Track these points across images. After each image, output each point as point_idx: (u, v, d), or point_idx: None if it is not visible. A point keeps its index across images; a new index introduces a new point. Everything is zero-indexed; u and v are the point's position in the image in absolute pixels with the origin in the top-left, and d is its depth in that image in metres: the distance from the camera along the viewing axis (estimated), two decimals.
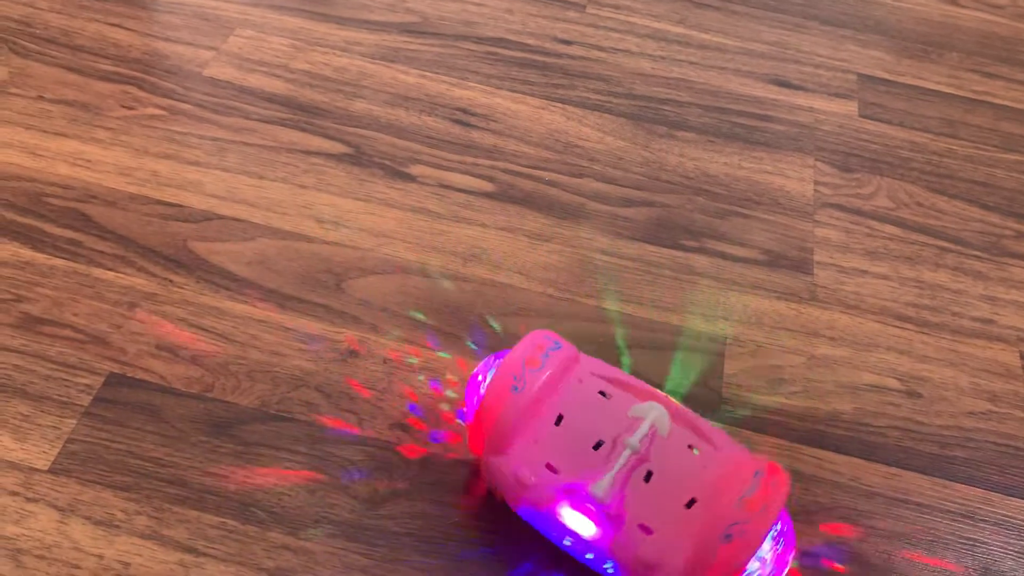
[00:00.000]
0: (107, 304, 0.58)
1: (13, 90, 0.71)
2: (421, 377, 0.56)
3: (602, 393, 0.48)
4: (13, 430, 0.51)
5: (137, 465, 0.51)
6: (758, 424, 0.56)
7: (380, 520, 0.50)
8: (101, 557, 0.47)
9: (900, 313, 0.64)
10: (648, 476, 0.45)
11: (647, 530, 0.44)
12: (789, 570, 0.50)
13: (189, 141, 0.69)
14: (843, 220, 0.70)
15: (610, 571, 0.46)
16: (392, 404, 0.55)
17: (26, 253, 0.60)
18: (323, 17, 0.81)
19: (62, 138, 0.67)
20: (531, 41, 0.81)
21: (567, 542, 0.47)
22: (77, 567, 0.47)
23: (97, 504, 0.49)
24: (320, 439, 0.53)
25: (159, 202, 0.64)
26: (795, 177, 0.73)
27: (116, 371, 0.54)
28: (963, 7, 0.93)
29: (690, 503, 0.45)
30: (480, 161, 0.70)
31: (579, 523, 0.45)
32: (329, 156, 0.69)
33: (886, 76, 0.83)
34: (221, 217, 0.64)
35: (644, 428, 0.46)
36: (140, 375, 0.54)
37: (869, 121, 0.79)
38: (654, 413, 0.47)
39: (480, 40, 0.81)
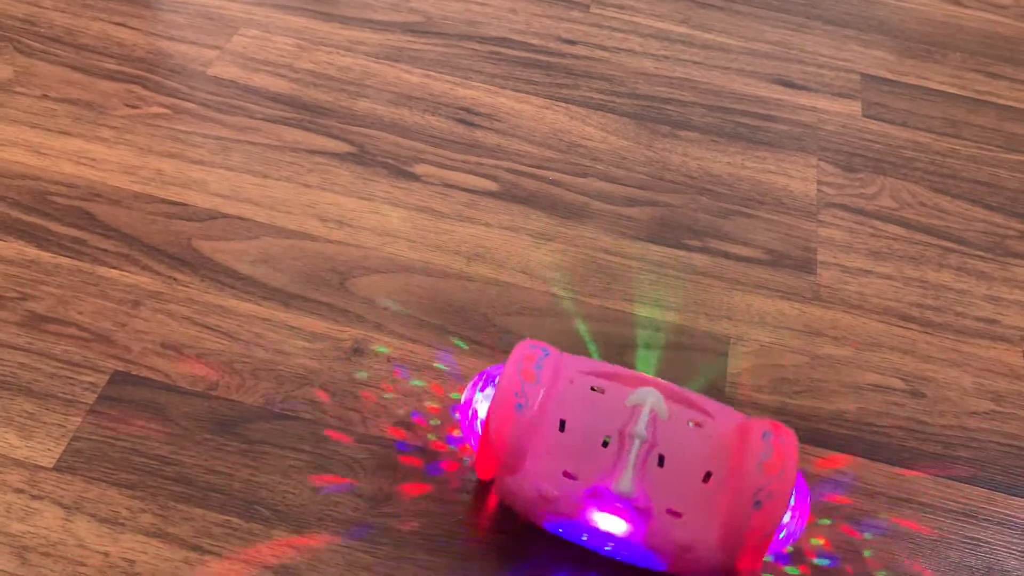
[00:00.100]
0: (112, 302, 0.58)
1: (18, 89, 0.71)
2: (420, 382, 0.56)
3: (594, 389, 0.48)
4: (18, 428, 0.52)
5: (142, 463, 0.51)
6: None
7: (384, 518, 0.50)
8: (106, 554, 0.47)
9: (904, 313, 0.64)
10: (661, 460, 0.46)
11: (676, 514, 0.45)
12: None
13: (193, 140, 0.69)
14: (847, 220, 0.70)
15: (647, 562, 0.46)
16: (395, 402, 0.55)
17: (31, 251, 0.60)
18: (327, 17, 0.81)
19: (66, 137, 0.68)
20: (535, 41, 0.81)
21: (608, 547, 0.46)
22: (82, 564, 0.47)
23: (102, 502, 0.49)
24: (324, 437, 0.53)
25: (163, 201, 0.64)
26: (798, 177, 0.73)
27: (121, 369, 0.55)
28: (966, 7, 0.93)
29: (706, 477, 0.45)
30: (484, 160, 0.70)
31: (610, 523, 0.45)
32: (333, 155, 0.69)
33: (889, 76, 0.83)
34: (225, 216, 0.64)
35: (645, 414, 0.46)
36: (145, 373, 0.55)
37: (872, 121, 0.79)
38: (651, 398, 0.47)
39: (484, 40, 0.81)
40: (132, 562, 0.47)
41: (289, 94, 0.73)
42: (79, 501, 0.49)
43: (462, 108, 0.74)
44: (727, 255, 0.66)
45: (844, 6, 0.90)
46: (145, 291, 0.59)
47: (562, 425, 0.46)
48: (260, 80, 0.74)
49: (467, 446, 0.53)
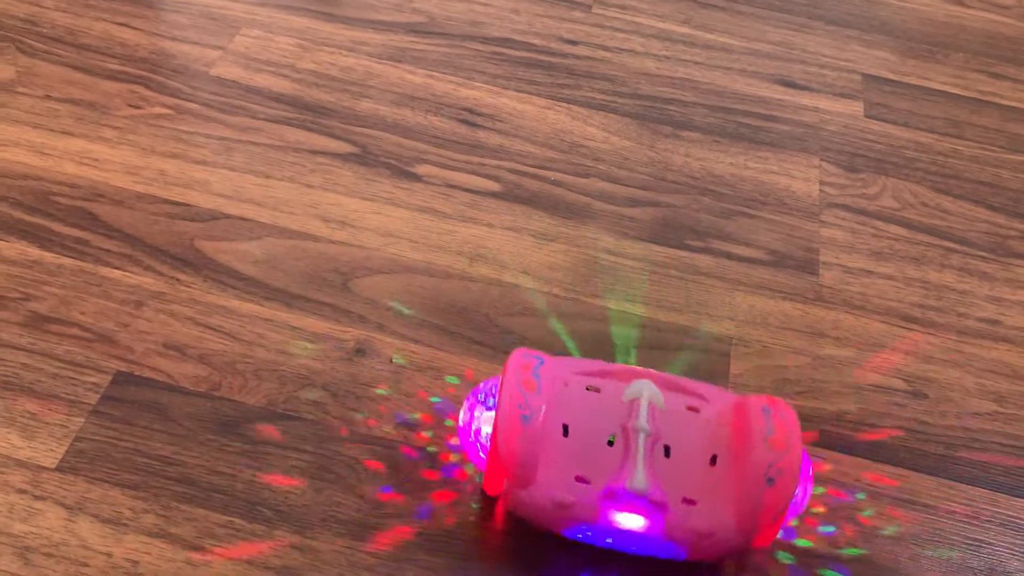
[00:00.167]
0: (114, 303, 0.58)
1: (20, 89, 0.71)
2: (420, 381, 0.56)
3: (590, 388, 0.48)
4: (21, 428, 0.52)
5: (145, 463, 0.51)
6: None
7: (386, 519, 0.50)
8: (109, 555, 0.47)
9: (906, 314, 0.64)
10: (667, 451, 0.46)
11: (691, 502, 0.45)
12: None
13: (196, 140, 0.69)
14: (849, 220, 0.70)
15: (667, 553, 0.46)
16: (398, 403, 0.55)
17: (34, 252, 0.60)
18: (330, 17, 0.81)
19: (69, 137, 0.68)
20: (537, 41, 0.81)
21: (633, 549, 0.46)
22: (85, 565, 0.47)
23: (105, 502, 0.49)
24: (327, 438, 0.53)
25: (166, 201, 0.64)
26: (800, 177, 0.73)
27: (123, 370, 0.55)
28: (969, 7, 0.93)
29: (713, 460, 0.46)
30: (486, 161, 0.70)
31: (630, 521, 0.45)
32: (335, 156, 0.69)
33: (891, 76, 0.83)
34: (228, 216, 0.64)
35: (644, 407, 0.46)
36: (147, 374, 0.55)
37: (874, 121, 0.79)
38: (647, 390, 0.47)
39: (486, 40, 0.81)
40: (135, 563, 0.47)
41: (291, 94, 0.73)
42: (82, 502, 0.49)
43: (464, 108, 0.74)
44: (729, 256, 0.66)
45: (846, 6, 0.90)
46: (148, 291, 0.59)
47: (565, 430, 0.46)
48: (262, 80, 0.74)
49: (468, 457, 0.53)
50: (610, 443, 0.46)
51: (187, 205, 0.64)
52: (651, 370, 0.50)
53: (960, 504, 0.54)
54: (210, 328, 0.57)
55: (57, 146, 0.67)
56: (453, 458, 0.53)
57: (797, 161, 0.74)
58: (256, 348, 0.57)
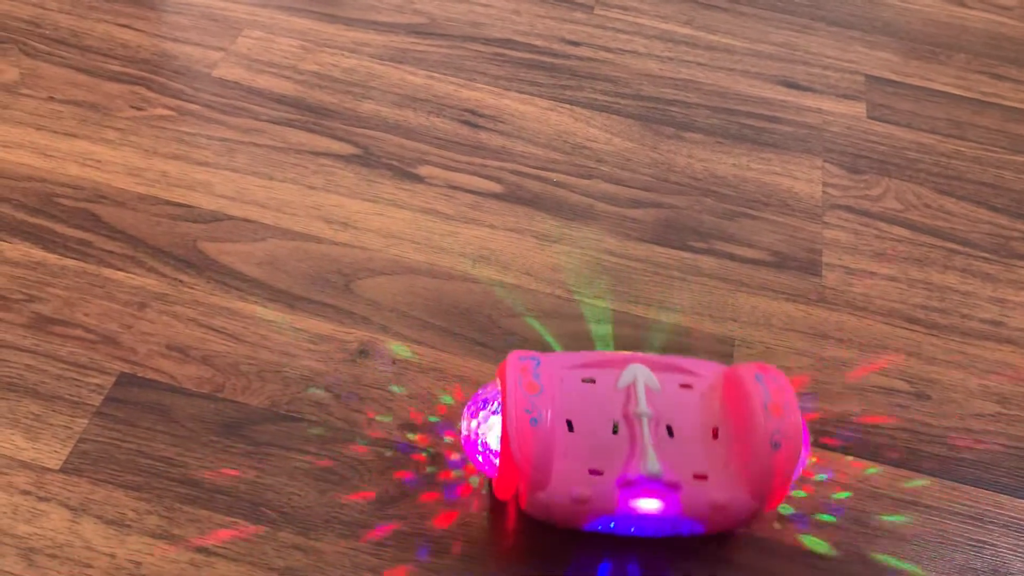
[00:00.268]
0: (118, 304, 0.58)
1: (23, 91, 0.71)
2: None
3: (585, 380, 0.49)
4: (25, 430, 0.52)
5: (148, 465, 0.51)
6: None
7: (390, 520, 0.50)
8: (113, 556, 0.47)
9: (909, 315, 0.64)
10: (670, 431, 0.47)
11: (702, 477, 0.46)
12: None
13: (198, 142, 0.69)
14: (851, 222, 0.70)
15: (685, 531, 0.47)
16: (401, 404, 0.55)
17: (37, 253, 0.60)
18: (331, 18, 0.81)
19: (72, 138, 0.68)
20: (539, 42, 0.81)
21: (653, 531, 0.47)
22: (89, 566, 0.47)
23: (108, 503, 0.49)
24: (330, 439, 0.53)
25: (168, 202, 0.64)
26: (803, 178, 0.73)
27: (127, 371, 0.55)
28: (971, 8, 0.92)
29: (715, 433, 0.47)
30: (488, 162, 0.70)
31: (647, 505, 0.46)
32: (338, 157, 0.69)
33: (894, 77, 0.83)
34: (231, 218, 0.64)
35: (641, 392, 0.47)
36: (151, 375, 0.55)
37: (877, 122, 0.79)
38: (641, 374, 0.48)
39: (488, 41, 0.81)
40: (139, 564, 0.47)
41: (294, 96, 0.73)
42: (86, 503, 0.49)
43: (466, 110, 0.74)
44: (732, 257, 0.66)
45: (849, 7, 0.90)
46: (151, 293, 0.59)
47: (570, 425, 0.47)
48: (264, 82, 0.74)
49: (472, 474, 0.53)
50: (614, 431, 0.47)
51: (189, 206, 0.64)
52: (639, 353, 0.51)
53: (963, 505, 0.54)
54: (213, 329, 0.57)
55: (60, 147, 0.67)
56: (456, 458, 0.53)
57: (800, 162, 0.74)
58: (259, 349, 0.57)
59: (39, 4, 0.78)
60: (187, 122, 0.70)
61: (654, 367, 0.49)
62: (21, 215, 0.62)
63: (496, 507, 0.51)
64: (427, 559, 0.49)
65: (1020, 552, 0.52)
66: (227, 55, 0.76)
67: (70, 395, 0.53)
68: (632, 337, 0.60)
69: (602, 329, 0.60)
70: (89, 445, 0.51)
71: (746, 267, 0.65)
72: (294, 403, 0.54)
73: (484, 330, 0.59)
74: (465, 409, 0.50)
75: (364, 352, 0.57)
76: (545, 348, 0.59)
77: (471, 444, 0.49)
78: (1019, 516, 0.54)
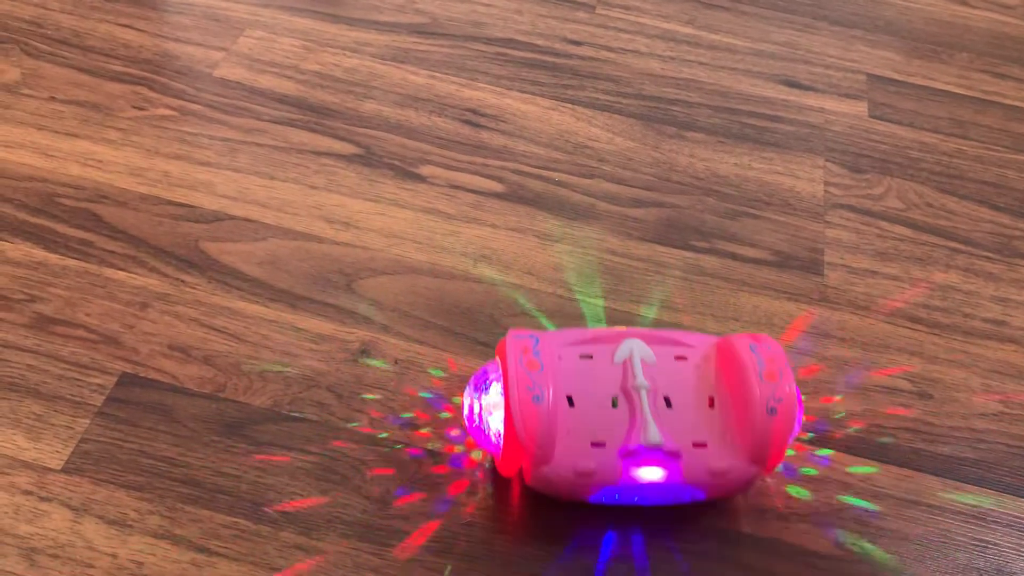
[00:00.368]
0: (119, 304, 0.58)
1: (25, 91, 0.71)
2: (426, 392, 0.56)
3: (583, 357, 0.50)
4: (27, 430, 0.52)
5: (150, 465, 0.51)
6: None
7: (392, 520, 0.50)
8: (115, 556, 0.47)
9: (911, 314, 0.64)
10: (668, 402, 0.49)
11: (702, 445, 0.48)
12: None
13: (200, 142, 0.69)
14: (853, 221, 0.70)
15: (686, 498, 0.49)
16: (403, 404, 0.55)
17: (39, 253, 0.60)
18: (333, 18, 0.81)
19: (73, 138, 0.68)
20: (541, 42, 0.81)
21: (655, 500, 0.49)
22: (91, 566, 0.47)
23: (110, 503, 0.49)
24: (332, 439, 0.53)
25: (170, 202, 0.64)
26: (805, 178, 0.73)
27: (129, 371, 0.55)
28: (973, 7, 0.92)
29: (711, 402, 0.49)
30: (490, 162, 0.70)
31: (649, 474, 0.47)
32: (339, 157, 0.69)
33: (896, 76, 0.83)
34: (232, 217, 0.64)
35: (638, 365, 0.49)
36: (152, 375, 0.55)
37: (879, 122, 0.79)
38: (637, 349, 0.50)
39: (490, 41, 0.81)
40: (140, 564, 0.47)
41: (295, 95, 0.73)
42: (87, 503, 0.49)
43: (468, 109, 0.74)
44: (734, 256, 0.66)
45: (851, 6, 0.90)
46: (152, 293, 0.59)
47: (570, 401, 0.48)
48: (266, 81, 0.74)
49: (474, 445, 0.53)
50: (613, 405, 0.48)
51: (191, 206, 0.64)
52: (633, 328, 0.52)
53: (966, 505, 0.54)
54: (215, 329, 0.57)
55: (61, 147, 0.67)
56: (458, 449, 0.53)
57: (802, 162, 0.74)
58: (261, 349, 0.57)
59: (41, 4, 0.78)
60: (189, 122, 0.70)
61: (649, 341, 0.51)
62: (23, 215, 0.62)
63: (500, 485, 0.51)
64: (429, 558, 0.49)
65: (1023, 551, 0.52)
66: (229, 55, 0.76)
67: (72, 395, 0.53)
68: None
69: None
70: (91, 445, 0.51)
71: (748, 266, 0.65)
72: (296, 403, 0.54)
73: (486, 330, 0.59)
74: (467, 389, 0.50)
75: (365, 352, 0.57)
76: None
77: (474, 424, 0.50)
78: (1022, 515, 0.54)
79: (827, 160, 0.74)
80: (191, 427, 0.53)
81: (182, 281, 0.60)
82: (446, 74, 0.77)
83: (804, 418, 0.56)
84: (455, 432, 0.54)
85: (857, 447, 0.56)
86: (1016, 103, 0.82)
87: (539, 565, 0.49)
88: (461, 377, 0.56)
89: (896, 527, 0.53)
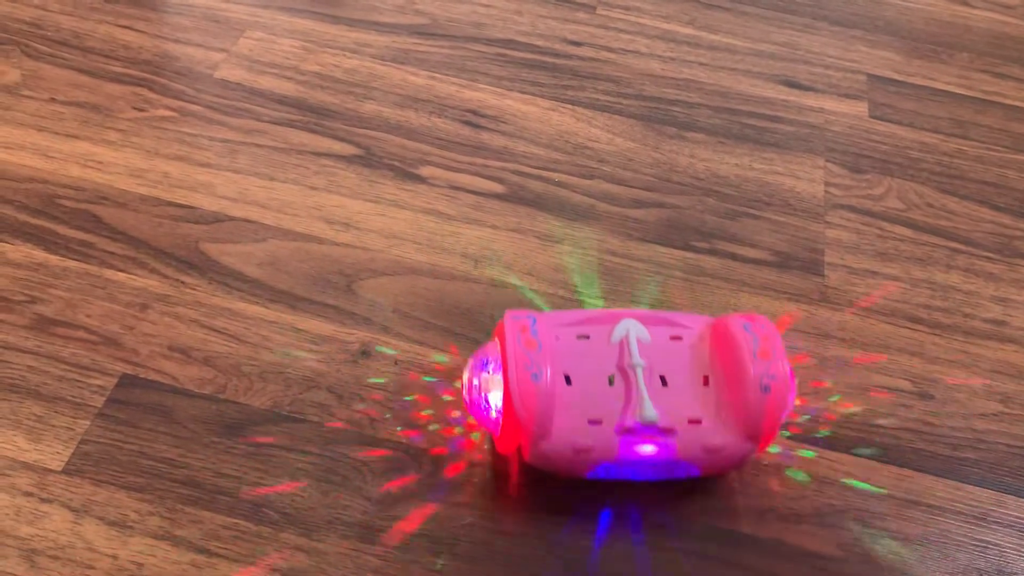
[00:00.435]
0: (119, 305, 0.58)
1: (25, 92, 0.71)
2: (428, 378, 0.56)
3: (580, 337, 0.51)
4: (27, 431, 0.52)
5: (150, 466, 0.51)
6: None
7: (392, 521, 0.50)
8: (115, 557, 0.47)
9: (912, 315, 0.64)
10: (663, 381, 0.50)
11: (696, 422, 0.49)
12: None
13: (200, 143, 0.69)
14: (854, 221, 0.70)
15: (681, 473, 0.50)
16: (403, 405, 0.55)
17: (39, 254, 0.60)
18: (333, 19, 0.81)
19: (74, 140, 0.68)
20: (541, 43, 0.81)
21: (651, 476, 0.50)
22: (91, 568, 0.47)
23: (111, 505, 0.49)
24: (332, 440, 0.53)
25: (170, 203, 0.64)
26: (805, 178, 0.72)
27: (129, 372, 0.55)
28: (973, 7, 0.92)
29: (705, 380, 0.50)
30: (490, 162, 0.70)
31: (646, 451, 0.48)
32: (339, 158, 0.69)
33: (896, 77, 0.83)
34: (232, 218, 0.64)
35: (634, 345, 0.50)
36: (153, 376, 0.55)
37: (879, 122, 0.79)
38: (633, 328, 0.51)
39: (490, 42, 0.81)
40: (140, 565, 0.47)
41: (295, 96, 0.73)
42: (88, 504, 0.49)
43: (468, 110, 0.74)
44: (734, 257, 0.66)
45: (851, 7, 0.90)
46: (153, 294, 0.59)
47: (568, 379, 0.49)
48: (266, 82, 0.74)
49: (473, 427, 0.53)
50: (610, 383, 0.49)
51: (191, 207, 0.64)
52: (629, 309, 0.53)
53: (967, 505, 0.54)
54: (215, 330, 0.57)
55: (62, 149, 0.67)
56: (459, 460, 0.53)
57: (802, 162, 0.74)
58: (261, 350, 0.57)
59: (41, 6, 0.78)
60: (189, 123, 0.70)
61: (645, 321, 0.52)
62: (23, 216, 0.62)
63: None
64: (429, 559, 0.49)
65: None
66: (229, 56, 0.76)
67: (72, 396, 0.53)
68: None
69: None
70: (91, 446, 0.51)
71: (748, 267, 0.65)
72: (296, 404, 0.54)
73: (486, 331, 0.59)
74: (466, 369, 0.51)
75: (365, 353, 0.57)
76: None
77: (474, 402, 0.50)
78: (1023, 516, 0.54)
79: (827, 160, 0.74)
80: (191, 428, 0.53)
81: (182, 282, 0.60)
82: (446, 75, 0.77)
83: (799, 401, 0.57)
84: (455, 414, 0.54)
85: (856, 447, 0.56)
86: (1016, 103, 0.82)
87: (537, 544, 0.49)
88: (463, 363, 0.56)
89: (897, 527, 0.53)
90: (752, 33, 0.85)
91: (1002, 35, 0.89)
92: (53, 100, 0.71)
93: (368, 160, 0.69)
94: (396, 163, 0.69)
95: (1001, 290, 0.66)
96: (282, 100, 0.73)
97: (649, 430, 0.48)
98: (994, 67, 0.86)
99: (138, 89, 0.72)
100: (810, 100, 0.79)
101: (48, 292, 0.58)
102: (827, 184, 0.72)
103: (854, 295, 0.64)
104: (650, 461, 0.48)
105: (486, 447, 0.53)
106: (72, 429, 0.52)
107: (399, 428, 0.54)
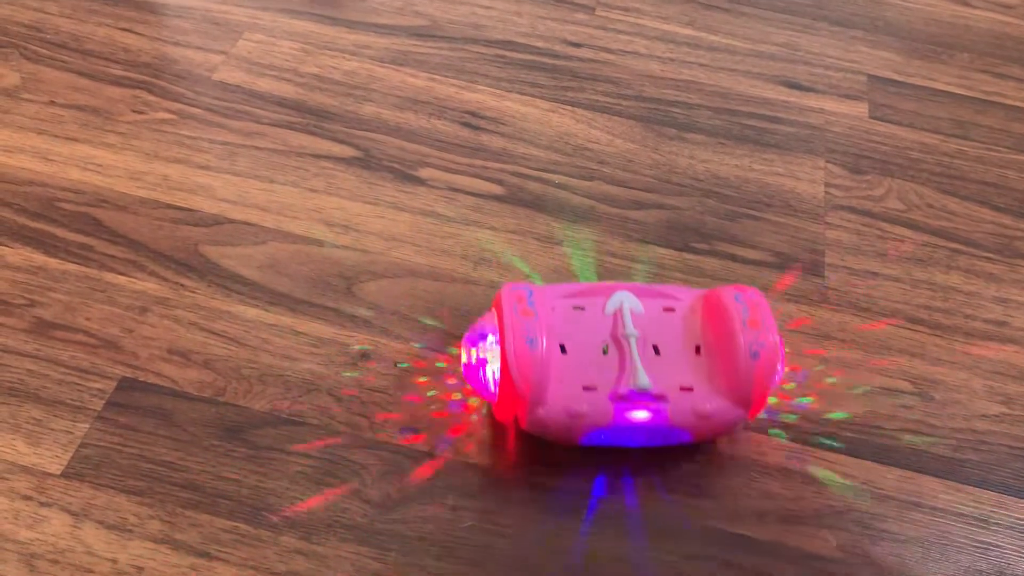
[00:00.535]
0: (119, 308, 0.58)
1: (25, 95, 0.71)
2: (424, 379, 0.56)
3: (575, 308, 0.53)
4: (26, 434, 0.52)
5: (149, 469, 0.51)
6: (770, 427, 0.56)
7: (392, 524, 0.50)
8: (114, 561, 0.47)
9: (912, 315, 0.64)
10: (656, 350, 0.52)
11: (688, 389, 0.50)
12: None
13: (199, 145, 0.69)
14: (854, 222, 0.69)
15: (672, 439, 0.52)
16: (403, 408, 0.55)
17: (38, 258, 0.60)
18: (332, 21, 0.81)
19: (73, 143, 0.68)
20: (540, 44, 0.81)
21: (644, 442, 0.51)
22: (90, 571, 0.47)
23: (110, 508, 0.49)
24: (332, 443, 0.53)
25: (170, 206, 0.64)
26: (806, 179, 0.72)
27: (128, 375, 0.55)
28: (973, 7, 0.92)
29: (697, 350, 0.52)
30: (489, 164, 0.70)
31: (639, 416, 0.50)
32: (339, 160, 0.69)
33: (896, 77, 0.83)
34: (232, 221, 0.64)
35: (628, 316, 0.52)
36: (152, 379, 0.55)
37: (879, 122, 0.78)
38: (626, 300, 0.53)
39: (489, 43, 0.81)
40: (140, 569, 0.47)
41: (294, 98, 0.73)
42: (87, 508, 0.49)
43: (467, 112, 0.74)
44: (734, 258, 0.66)
45: (850, 7, 0.90)
46: (152, 297, 0.59)
47: (563, 349, 0.51)
48: (265, 85, 0.74)
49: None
50: (604, 352, 0.51)
51: (191, 210, 0.64)
52: (623, 282, 0.55)
53: (968, 507, 0.54)
54: (214, 333, 0.57)
55: (61, 152, 0.67)
56: (458, 462, 0.53)
57: (802, 163, 0.74)
58: (260, 353, 0.56)
59: (40, 8, 0.78)
60: (188, 126, 0.70)
61: (639, 293, 0.54)
62: (22, 219, 0.62)
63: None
64: (429, 562, 0.48)
65: None
66: (228, 58, 0.76)
67: (71, 400, 0.53)
68: None
69: None
70: (90, 450, 0.51)
71: (748, 268, 0.65)
72: (295, 407, 0.54)
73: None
74: (464, 340, 0.52)
75: (365, 355, 0.57)
76: None
77: (472, 372, 0.52)
78: None
79: (827, 161, 0.74)
80: (191, 431, 0.53)
81: (182, 285, 0.60)
82: (445, 76, 0.77)
83: (812, 402, 0.57)
84: (455, 438, 0.54)
85: (859, 449, 0.56)
86: (1017, 103, 0.82)
87: (537, 547, 0.49)
88: (463, 379, 0.56)
89: (898, 529, 0.52)
90: (752, 34, 0.85)
91: (1002, 35, 0.89)
92: (52, 103, 0.70)
93: (367, 162, 0.69)
94: (395, 165, 0.69)
95: (1002, 291, 0.66)
96: (281, 102, 0.73)
97: (642, 397, 0.49)
98: (994, 67, 0.85)
99: (137, 92, 0.72)
100: (810, 101, 0.79)
101: (47, 295, 0.58)
102: (827, 185, 0.72)
103: (854, 296, 0.64)
104: (643, 427, 0.50)
105: (486, 448, 0.53)
106: (71, 432, 0.52)
107: (399, 431, 0.54)
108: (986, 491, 0.55)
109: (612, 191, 0.69)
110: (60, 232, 0.62)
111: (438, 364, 0.57)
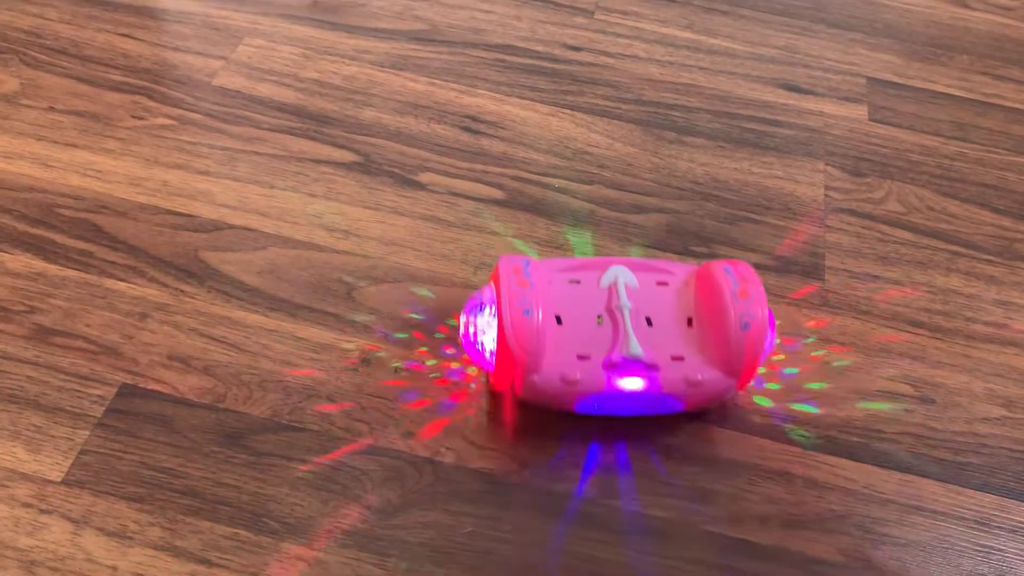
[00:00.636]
0: (119, 315, 0.58)
1: (24, 101, 0.71)
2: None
3: (571, 282, 0.54)
4: (27, 441, 0.52)
5: (150, 476, 0.51)
6: (770, 431, 0.56)
7: (393, 530, 0.50)
8: (115, 568, 0.47)
9: (912, 318, 0.64)
10: (649, 321, 0.53)
11: (679, 358, 0.52)
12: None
13: (199, 151, 0.69)
14: (854, 225, 0.69)
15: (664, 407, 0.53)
16: (403, 413, 0.55)
17: (38, 264, 0.60)
18: (332, 26, 0.81)
19: (73, 149, 0.68)
20: (540, 48, 0.81)
21: (636, 410, 0.53)
22: None
23: (110, 515, 0.49)
24: (332, 449, 0.53)
25: (170, 212, 0.64)
26: (805, 182, 0.72)
27: (128, 382, 0.55)
28: (973, 9, 0.92)
29: (689, 322, 0.53)
30: (489, 168, 0.70)
31: (631, 384, 0.51)
32: (339, 165, 0.69)
33: (896, 79, 0.83)
34: (232, 227, 0.64)
35: (622, 288, 0.54)
36: (152, 386, 0.55)
37: (879, 125, 0.78)
38: (621, 274, 0.54)
39: (489, 47, 0.81)
40: None
41: (294, 104, 0.73)
42: (87, 515, 0.49)
43: (467, 116, 0.74)
44: None
45: (850, 9, 0.90)
46: (152, 303, 0.59)
47: (559, 320, 0.53)
48: (265, 90, 0.74)
49: (474, 430, 0.53)
50: (598, 322, 0.53)
51: (191, 216, 0.64)
52: (618, 258, 0.57)
53: (969, 510, 0.54)
54: (214, 339, 0.57)
55: (61, 158, 0.67)
56: (459, 464, 0.53)
57: (802, 166, 0.74)
58: (261, 359, 0.56)
59: (39, 14, 0.78)
60: (188, 131, 0.70)
61: (633, 268, 0.55)
62: (22, 226, 0.62)
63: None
64: (429, 567, 0.48)
65: None
66: (228, 64, 0.76)
67: (72, 406, 0.53)
68: None
69: None
70: (91, 457, 0.51)
71: None
72: (295, 413, 0.54)
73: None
74: (462, 311, 0.54)
75: (366, 360, 0.57)
76: None
77: (469, 341, 0.53)
78: None
79: (827, 164, 0.74)
80: (191, 438, 0.52)
81: (182, 291, 0.60)
82: (445, 81, 0.77)
83: (824, 409, 0.57)
84: (456, 441, 0.54)
85: (860, 453, 0.56)
86: (1017, 105, 0.82)
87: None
88: (463, 383, 0.56)
89: (899, 533, 0.52)
90: (751, 37, 0.85)
91: (1002, 37, 0.89)
92: (52, 109, 0.71)
93: (367, 167, 0.69)
94: (395, 170, 0.69)
95: (1002, 293, 0.66)
96: (281, 107, 0.73)
97: (634, 365, 0.51)
98: (994, 69, 0.85)
99: (137, 97, 0.72)
100: (810, 103, 0.79)
101: (47, 302, 0.58)
102: (827, 188, 0.72)
103: (855, 299, 0.64)
104: (636, 395, 0.52)
105: (486, 450, 0.53)
106: (71, 439, 0.52)
107: (399, 436, 0.54)
108: (987, 495, 0.55)
109: (612, 195, 0.69)
110: (60, 238, 0.62)
111: (431, 372, 0.57)
